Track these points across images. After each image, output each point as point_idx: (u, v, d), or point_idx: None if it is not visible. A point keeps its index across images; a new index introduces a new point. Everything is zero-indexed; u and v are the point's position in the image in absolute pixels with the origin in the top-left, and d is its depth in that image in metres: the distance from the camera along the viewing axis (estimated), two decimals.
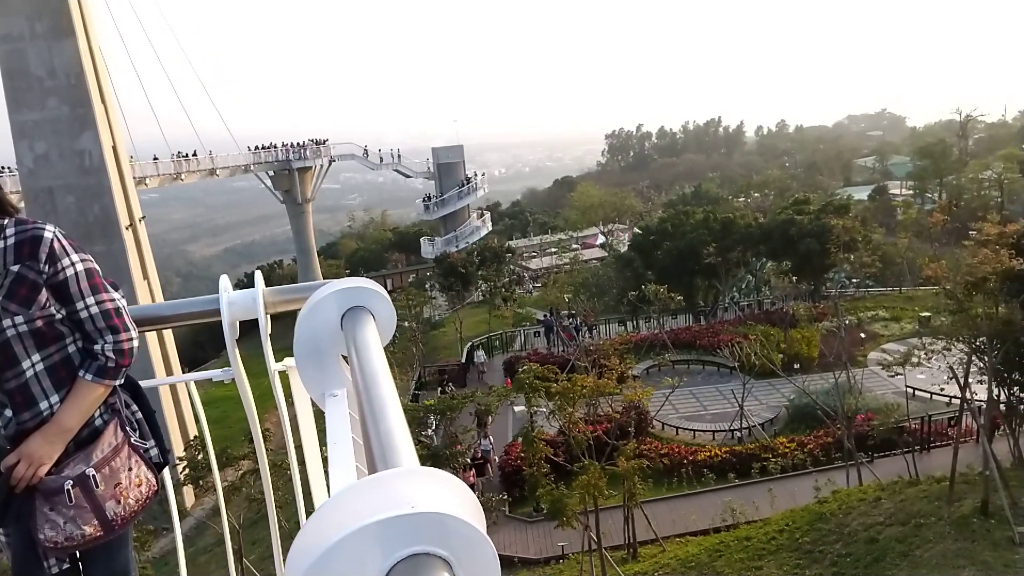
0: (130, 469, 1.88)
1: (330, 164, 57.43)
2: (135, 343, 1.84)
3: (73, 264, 1.76)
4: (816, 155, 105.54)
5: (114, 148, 31.82)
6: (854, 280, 39.57)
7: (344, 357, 1.83)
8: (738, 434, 24.27)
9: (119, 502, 1.82)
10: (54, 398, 1.76)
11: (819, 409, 22.00)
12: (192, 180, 49.01)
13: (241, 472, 17.79)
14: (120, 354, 1.81)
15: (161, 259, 56.76)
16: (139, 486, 1.89)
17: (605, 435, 18.50)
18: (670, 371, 26.81)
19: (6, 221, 1.73)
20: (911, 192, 68.30)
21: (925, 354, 19.94)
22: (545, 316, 37.81)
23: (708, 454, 22.16)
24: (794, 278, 32.82)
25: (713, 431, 24.87)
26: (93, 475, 1.78)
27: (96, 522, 1.78)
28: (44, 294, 1.72)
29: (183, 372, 37.67)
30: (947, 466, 16.12)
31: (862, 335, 31.38)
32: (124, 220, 31.59)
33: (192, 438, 20.03)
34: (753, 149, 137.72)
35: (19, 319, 1.69)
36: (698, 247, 36.20)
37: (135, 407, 1.99)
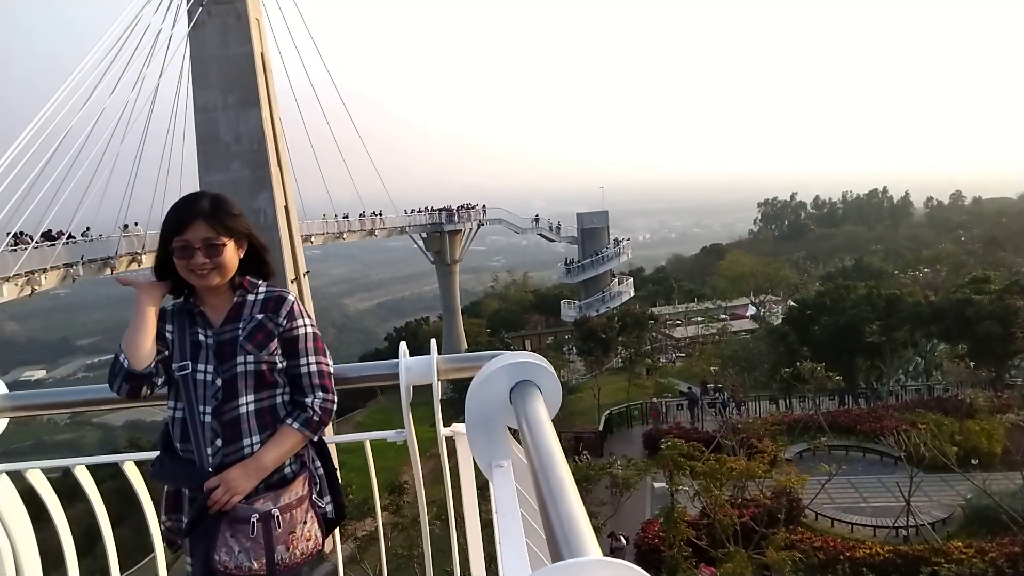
0: (304, 523, 2.00)
1: (479, 227, 59.62)
2: (335, 405, 2.04)
3: (305, 326, 2.02)
4: (997, 229, 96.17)
5: (286, 208, 35.04)
6: None
7: (510, 429, 1.86)
8: (904, 532, 21.94)
9: (288, 549, 1.94)
10: (255, 438, 1.96)
11: (1003, 513, 19.48)
12: (352, 239, 52.57)
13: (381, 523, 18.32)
14: (325, 412, 2.02)
15: (320, 311, 60.94)
16: (308, 540, 2.01)
17: (752, 521, 17.32)
18: (826, 456, 25.02)
19: (260, 283, 2.07)
20: None
21: None
22: (689, 388, 36.48)
23: (868, 551, 20.05)
24: (971, 363, 29.88)
25: (874, 526, 22.66)
26: (277, 516, 1.93)
27: (264, 560, 1.91)
28: (275, 343, 1.98)
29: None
30: None
31: None
32: (291, 274, 34.47)
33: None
34: (922, 221, 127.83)
35: (250, 358, 1.95)
36: (860, 324, 33.97)
37: (319, 463, 2.13)
